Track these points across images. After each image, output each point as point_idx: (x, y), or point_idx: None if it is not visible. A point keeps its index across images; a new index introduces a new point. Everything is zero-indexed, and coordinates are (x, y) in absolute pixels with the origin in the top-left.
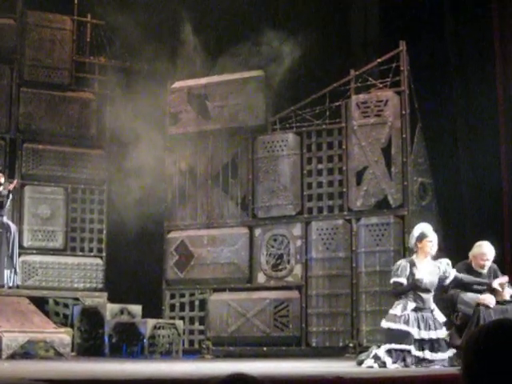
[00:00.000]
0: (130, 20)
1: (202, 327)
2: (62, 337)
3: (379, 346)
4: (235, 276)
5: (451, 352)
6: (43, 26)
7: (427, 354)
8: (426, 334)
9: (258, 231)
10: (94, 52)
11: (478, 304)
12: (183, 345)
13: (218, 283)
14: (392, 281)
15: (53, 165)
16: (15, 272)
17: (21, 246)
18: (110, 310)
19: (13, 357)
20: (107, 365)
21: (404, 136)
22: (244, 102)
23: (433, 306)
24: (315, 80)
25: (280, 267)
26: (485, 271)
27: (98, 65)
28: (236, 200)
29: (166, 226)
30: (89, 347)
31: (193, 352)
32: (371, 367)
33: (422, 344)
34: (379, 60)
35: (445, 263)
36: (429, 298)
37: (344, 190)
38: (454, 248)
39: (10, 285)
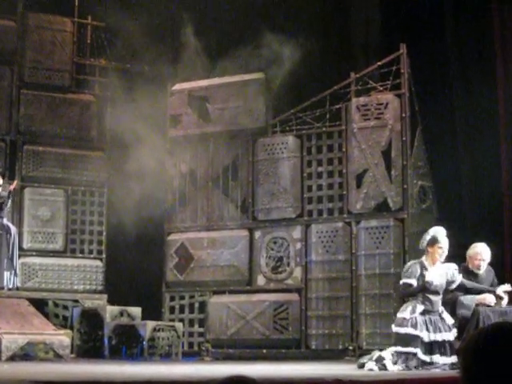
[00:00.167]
0: (131, 22)
1: (201, 329)
2: (62, 339)
3: (381, 350)
4: (235, 278)
5: (455, 358)
6: (44, 28)
7: (436, 358)
8: (435, 337)
9: (257, 234)
10: (94, 54)
11: (477, 304)
12: (183, 347)
13: (218, 285)
14: (401, 282)
15: (53, 167)
16: (15, 274)
17: (21, 248)
18: (110, 312)
19: (12, 358)
20: (107, 367)
21: (404, 139)
22: (244, 105)
23: (441, 308)
24: (315, 83)
25: (280, 270)
26: (481, 271)
27: (99, 67)
28: (236, 202)
29: (166, 228)
30: (88, 349)
31: (192, 354)
32: (371, 370)
33: (431, 347)
34: (379, 63)
35: (452, 268)
36: (437, 300)
37: (344, 192)
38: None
39: (10, 287)
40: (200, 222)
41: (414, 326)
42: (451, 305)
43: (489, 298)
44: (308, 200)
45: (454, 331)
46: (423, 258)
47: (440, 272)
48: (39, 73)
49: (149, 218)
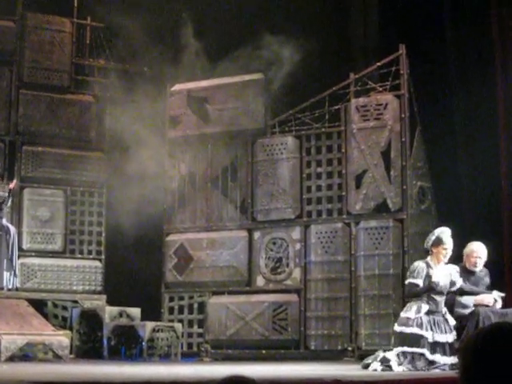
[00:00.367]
0: (130, 22)
1: (200, 330)
2: (61, 339)
3: (385, 350)
4: (234, 279)
5: (454, 359)
6: (43, 29)
7: (437, 358)
8: (439, 337)
9: (257, 234)
10: (93, 54)
11: (476, 305)
12: (182, 348)
13: (217, 286)
14: (407, 282)
15: (52, 167)
16: (14, 274)
17: (20, 249)
18: (109, 312)
19: (11, 359)
20: (106, 367)
21: (403, 140)
22: (244, 106)
23: (444, 309)
24: (315, 83)
25: (279, 270)
26: (478, 269)
27: (98, 67)
28: (235, 203)
29: (165, 228)
30: (87, 350)
31: (191, 355)
32: (375, 370)
33: (434, 347)
34: (379, 63)
35: (454, 270)
36: (441, 300)
37: (343, 193)
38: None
39: (10, 287)
40: (199, 223)
41: (420, 325)
42: (449, 306)
43: (487, 299)
44: (307, 201)
45: (454, 332)
46: (428, 259)
47: (445, 272)
48: (38, 73)
49: (148, 219)
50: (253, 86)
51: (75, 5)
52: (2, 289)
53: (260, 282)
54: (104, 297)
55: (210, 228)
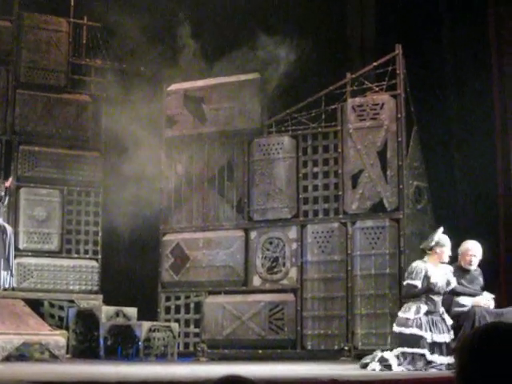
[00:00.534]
0: (127, 22)
1: (197, 330)
2: (57, 339)
3: (383, 350)
4: (230, 279)
5: (451, 358)
6: (39, 28)
7: (435, 357)
8: (437, 338)
9: (253, 234)
10: (90, 54)
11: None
12: (178, 347)
13: (214, 286)
14: (406, 283)
15: (49, 167)
16: (11, 274)
17: (16, 248)
18: (106, 312)
19: (8, 359)
20: (102, 367)
21: (400, 139)
22: (240, 105)
23: (442, 309)
24: (311, 83)
25: (275, 270)
26: (472, 268)
27: (94, 67)
28: (232, 203)
29: (161, 228)
30: (84, 349)
31: (188, 355)
32: (374, 370)
33: (433, 347)
34: (375, 63)
35: (449, 270)
36: (439, 300)
37: (339, 193)
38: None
39: (7, 286)
40: (195, 223)
41: (419, 326)
42: (447, 306)
43: (483, 301)
44: (304, 200)
45: (452, 332)
46: (426, 258)
47: (441, 273)
48: (35, 73)
49: (144, 219)
50: (249, 86)
51: (72, 4)
52: None
53: (256, 281)
54: (100, 296)
55: (207, 228)
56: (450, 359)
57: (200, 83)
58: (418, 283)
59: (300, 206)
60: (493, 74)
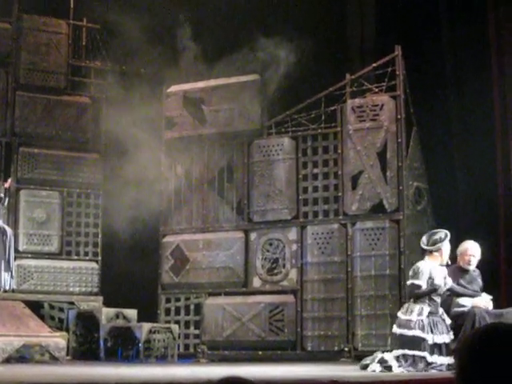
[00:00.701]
0: (126, 24)
1: (197, 331)
2: (58, 341)
3: (383, 351)
4: (230, 280)
5: (451, 359)
6: (39, 30)
7: (435, 358)
8: (438, 339)
9: (253, 235)
10: (89, 56)
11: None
12: (178, 349)
13: (214, 287)
14: (410, 282)
15: (48, 169)
16: (11, 276)
17: (16, 250)
18: (106, 314)
19: (8, 361)
20: (102, 369)
21: (399, 140)
22: (240, 107)
23: (441, 309)
24: (311, 84)
25: (275, 271)
26: (471, 268)
27: (94, 69)
28: (231, 204)
29: (161, 230)
30: (84, 351)
31: (188, 356)
32: (374, 371)
33: (433, 348)
34: (375, 64)
35: (445, 272)
36: (439, 301)
37: (339, 194)
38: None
39: (7, 288)
40: (195, 224)
41: (422, 328)
42: (446, 307)
43: (482, 303)
44: (303, 201)
45: (451, 332)
46: (429, 259)
47: (442, 274)
48: (34, 75)
49: (144, 220)
50: (249, 87)
51: (71, 6)
52: None
53: (256, 283)
54: (100, 298)
55: (207, 229)
56: (450, 360)
57: (200, 85)
58: (423, 283)
59: (300, 208)
60: (493, 74)
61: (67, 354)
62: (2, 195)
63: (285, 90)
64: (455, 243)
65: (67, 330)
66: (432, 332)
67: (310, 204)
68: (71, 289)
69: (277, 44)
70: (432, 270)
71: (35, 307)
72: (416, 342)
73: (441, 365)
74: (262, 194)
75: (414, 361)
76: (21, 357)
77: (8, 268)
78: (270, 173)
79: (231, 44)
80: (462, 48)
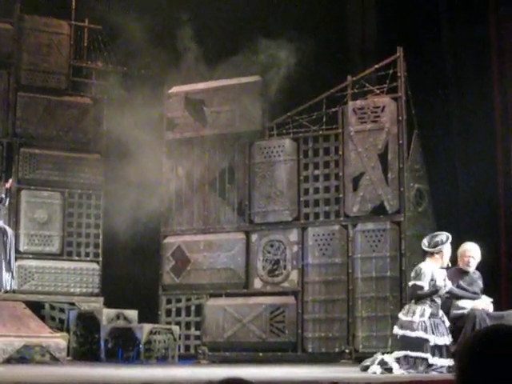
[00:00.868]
0: (128, 25)
1: (198, 332)
2: (58, 341)
3: (384, 353)
4: (231, 281)
5: (451, 361)
6: (40, 31)
7: (436, 360)
8: (439, 340)
9: (254, 237)
10: (91, 57)
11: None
12: (179, 350)
13: (215, 288)
14: (412, 283)
15: (50, 169)
16: (12, 276)
17: (17, 251)
18: (106, 314)
19: (8, 361)
20: (103, 370)
21: (401, 142)
22: (241, 108)
23: (441, 311)
24: (312, 86)
25: (276, 273)
26: (471, 269)
27: (96, 69)
28: (233, 205)
29: (162, 231)
30: (85, 352)
31: (189, 357)
32: (375, 373)
33: (434, 350)
34: (376, 66)
35: (445, 274)
36: (440, 303)
37: (340, 195)
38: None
39: (8, 289)
40: (196, 225)
41: (424, 329)
42: (446, 309)
43: (482, 305)
44: (304, 203)
45: (450, 335)
46: (431, 261)
47: (442, 276)
48: (36, 75)
49: (145, 221)
50: (250, 89)
51: (73, 7)
52: (0, 290)
53: (257, 284)
54: (101, 299)
55: (208, 230)
56: (450, 361)
57: (201, 86)
58: (425, 284)
59: (301, 209)
60: (493, 75)
61: (68, 355)
62: (3, 196)
63: (286, 92)
64: (456, 245)
65: (68, 331)
66: (433, 333)
67: (311, 205)
68: (72, 289)
69: (278, 45)
70: (433, 271)
71: (36, 308)
72: (418, 344)
73: (441, 367)
74: (263, 196)
75: (415, 362)
76: (21, 357)
77: (9, 268)
78: (271, 174)
79: (232, 45)
80: (462, 48)
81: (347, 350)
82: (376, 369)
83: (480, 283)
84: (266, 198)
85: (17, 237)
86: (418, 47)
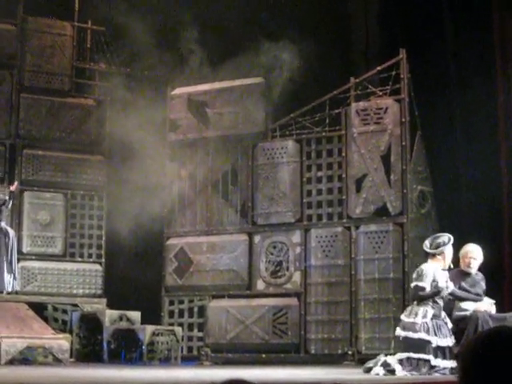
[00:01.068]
0: (131, 26)
1: (200, 334)
2: (61, 343)
3: (386, 354)
4: (234, 283)
5: (454, 362)
6: (43, 32)
7: (438, 362)
8: (441, 342)
9: (257, 238)
10: (94, 58)
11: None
12: (182, 351)
13: (217, 290)
14: (414, 284)
15: (52, 171)
16: (14, 277)
17: (20, 252)
18: (109, 316)
19: (11, 363)
20: (106, 371)
21: (404, 144)
22: (244, 109)
23: (443, 313)
24: (315, 87)
25: (279, 274)
26: (472, 271)
27: (98, 71)
28: (235, 207)
29: (165, 232)
30: (87, 353)
31: (191, 359)
32: (378, 374)
33: (436, 351)
34: (379, 68)
35: (447, 276)
36: (442, 305)
37: (343, 197)
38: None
39: (10, 290)
40: (199, 227)
41: (427, 331)
42: (449, 310)
43: (484, 307)
44: (307, 204)
45: (453, 337)
46: (433, 262)
47: (444, 278)
48: (39, 77)
49: (148, 222)
50: (253, 90)
51: (76, 8)
52: (2, 292)
53: (260, 285)
54: (104, 300)
55: (211, 232)
56: (452, 363)
57: (204, 87)
58: (427, 285)
59: (304, 210)
60: (497, 76)
61: (70, 356)
62: (7, 198)
63: (289, 93)
64: (459, 247)
65: (71, 332)
66: (436, 335)
67: (314, 207)
68: (75, 291)
69: (281, 47)
70: (435, 272)
71: (39, 309)
72: (421, 345)
73: (444, 368)
74: (266, 197)
75: (418, 364)
76: (24, 359)
77: (11, 270)
78: (274, 176)
79: (236, 47)
80: (465, 49)
81: (350, 352)
82: (379, 370)
83: (483, 285)
84: (268, 199)
85: (20, 238)
86: (420, 48)
